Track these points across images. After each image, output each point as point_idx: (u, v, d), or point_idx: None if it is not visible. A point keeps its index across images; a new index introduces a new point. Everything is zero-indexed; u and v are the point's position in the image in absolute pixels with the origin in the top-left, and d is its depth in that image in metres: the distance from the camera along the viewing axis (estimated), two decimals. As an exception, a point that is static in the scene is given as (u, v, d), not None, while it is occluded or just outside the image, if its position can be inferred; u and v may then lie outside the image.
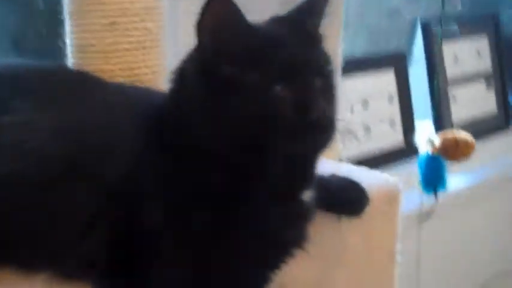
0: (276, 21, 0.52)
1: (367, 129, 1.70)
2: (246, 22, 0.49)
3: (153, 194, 0.49)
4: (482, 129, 1.63)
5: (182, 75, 0.51)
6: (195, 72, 0.49)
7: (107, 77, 0.62)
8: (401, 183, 0.68)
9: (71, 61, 0.64)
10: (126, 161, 0.49)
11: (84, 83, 0.57)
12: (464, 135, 1.11)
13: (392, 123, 1.75)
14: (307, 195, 0.52)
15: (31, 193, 0.48)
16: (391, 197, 0.68)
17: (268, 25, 0.52)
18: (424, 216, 1.22)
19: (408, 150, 1.73)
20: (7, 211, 0.47)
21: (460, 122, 1.62)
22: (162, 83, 0.66)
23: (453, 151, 1.10)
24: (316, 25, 0.53)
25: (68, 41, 0.64)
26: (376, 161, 1.68)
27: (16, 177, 0.48)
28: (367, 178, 0.68)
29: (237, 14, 0.48)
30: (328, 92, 0.50)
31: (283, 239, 0.51)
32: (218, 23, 0.47)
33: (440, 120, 1.70)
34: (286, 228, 0.51)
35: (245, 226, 0.49)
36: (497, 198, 1.56)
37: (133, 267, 0.48)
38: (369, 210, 0.63)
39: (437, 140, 1.11)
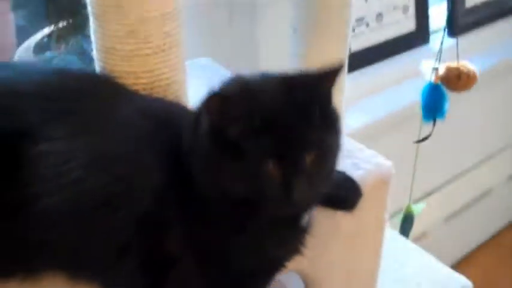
0: (283, 84, 0.57)
1: (379, 16, 1.72)
2: (248, 97, 0.54)
3: (174, 221, 0.58)
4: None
5: (198, 120, 0.57)
6: (206, 127, 0.55)
7: (130, 77, 0.68)
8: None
9: (97, 62, 0.69)
10: (151, 191, 0.58)
11: (113, 100, 0.63)
12: (468, 67, 1.15)
13: (405, 10, 1.76)
14: (305, 219, 0.61)
15: (74, 220, 0.57)
16: (384, 180, 0.76)
17: (273, 92, 0.56)
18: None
19: (421, 36, 1.77)
20: (56, 236, 0.57)
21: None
22: (182, 79, 0.72)
23: (455, 82, 1.15)
24: (327, 94, 0.57)
25: (93, 43, 0.69)
26: (388, 48, 1.73)
27: (59, 208, 0.56)
28: (363, 161, 0.76)
29: (238, 97, 0.53)
30: (320, 163, 0.56)
31: (280, 257, 0.62)
32: (221, 109, 0.53)
33: (455, 4, 1.72)
34: (284, 249, 0.61)
35: (247, 248, 0.59)
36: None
37: (160, 283, 0.59)
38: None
39: (441, 70, 1.16)
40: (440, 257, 2.01)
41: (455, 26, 1.74)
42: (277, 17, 1.24)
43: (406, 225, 1.31)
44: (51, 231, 0.57)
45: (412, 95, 1.28)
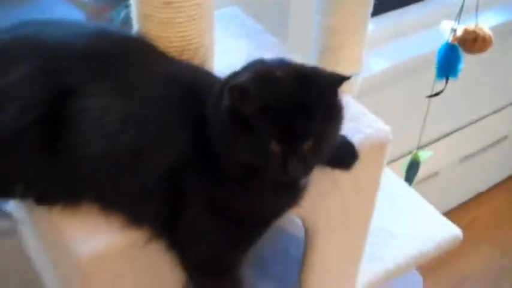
0: (297, 78, 0.65)
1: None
2: (264, 88, 0.63)
3: (193, 174, 0.69)
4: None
5: (221, 95, 0.67)
6: (227, 104, 0.65)
7: (165, 42, 0.78)
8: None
9: (135, 26, 0.79)
10: (175, 148, 0.69)
11: (152, 64, 0.73)
12: (485, 31, 1.20)
13: None
14: (303, 181, 0.72)
15: (111, 164, 0.69)
16: (381, 144, 0.86)
17: (287, 85, 0.65)
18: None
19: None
20: (95, 176, 0.69)
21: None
22: (209, 43, 0.81)
23: (471, 45, 1.21)
24: (333, 93, 0.67)
25: (133, 11, 0.78)
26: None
27: (100, 153, 0.68)
28: (364, 125, 0.86)
29: (256, 87, 0.63)
30: (317, 150, 0.66)
31: (279, 209, 0.73)
32: (240, 97, 0.63)
33: None
34: (282, 203, 0.72)
35: (251, 201, 0.70)
36: None
37: (177, 221, 0.71)
38: (359, 157, 0.82)
39: (459, 31, 1.21)
40: (450, 195, 2.13)
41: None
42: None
43: (411, 171, 1.40)
44: (89, 173, 0.69)
45: (433, 44, 1.33)
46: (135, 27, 0.79)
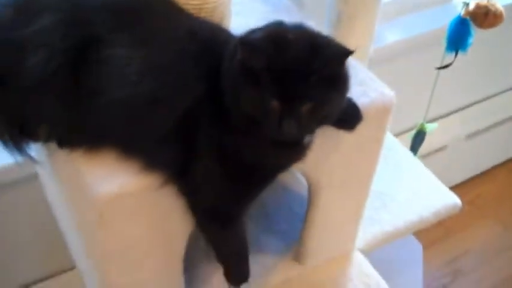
0: (308, 45, 0.69)
1: None
2: (274, 49, 0.67)
3: (205, 123, 0.74)
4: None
5: (235, 50, 0.71)
6: (239, 58, 0.69)
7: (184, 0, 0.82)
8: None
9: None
10: (191, 98, 0.73)
11: (171, 20, 0.77)
12: (496, 7, 1.23)
13: None
14: (306, 139, 0.76)
15: (131, 111, 0.73)
16: (386, 108, 0.90)
17: (296, 49, 0.68)
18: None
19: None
20: (115, 122, 0.74)
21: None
22: (226, 1, 0.85)
23: (482, 19, 1.23)
24: (340, 64, 0.71)
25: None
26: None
27: (121, 100, 0.73)
28: (371, 90, 0.90)
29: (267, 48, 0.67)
30: (315, 114, 0.69)
31: (282, 163, 0.78)
32: (250, 53, 0.67)
33: None
34: (284, 158, 0.77)
35: (255, 151, 0.75)
36: None
37: (189, 168, 0.76)
38: (364, 119, 0.86)
39: (471, 5, 1.24)
40: (456, 170, 2.17)
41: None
42: None
43: (416, 141, 1.45)
44: (109, 118, 0.74)
45: (446, 20, 1.35)
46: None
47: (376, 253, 1.15)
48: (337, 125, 0.84)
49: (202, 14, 0.84)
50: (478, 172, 2.32)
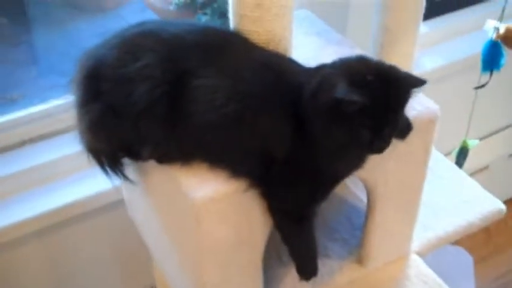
0: (384, 80, 0.83)
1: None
2: (367, 95, 0.80)
3: (286, 137, 0.88)
4: None
5: (317, 89, 0.85)
6: (327, 103, 0.83)
7: (255, 35, 0.98)
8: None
9: (232, 23, 1.00)
10: (275, 118, 0.88)
11: (248, 53, 0.93)
12: (525, 29, 1.36)
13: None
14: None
15: (219, 130, 0.89)
16: (431, 119, 1.03)
17: (377, 87, 0.82)
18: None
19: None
20: (206, 139, 0.90)
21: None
22: (289, 36, 1.01)
23: (512, 42, 1.37)
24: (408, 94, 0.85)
25: (230, 10, 0.99)
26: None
27: (210, 122, 0.88)
28: (417, 104, 1.04)
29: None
30: (392, 131, 0.85)
31: (348, 172, 0.92)
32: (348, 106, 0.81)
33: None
34: (352, 166, 0.92)
35: (328, 166, 0.90)
36: None
37: (270, 175, 0.90)
38: (413, 130, 1.00)
39: (501, 29, 1.38)
40: (499, 188, 2.27)
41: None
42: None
43: (460, 157, 1.57)
44: (202, 136, 0.90)
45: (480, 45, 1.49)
46: (232, 25, 1.00)
47: (429, 266, 1.24)
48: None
49: (270, 47, 0.99)
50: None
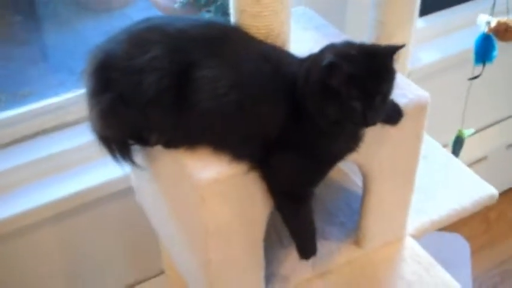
0: (365, 53, 0.89)
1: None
2: (345, 64, 0.87)
3: (284, 122, 0.95)
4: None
5: (308, 72, 0.92)
6: (316, 78, 0.90)
7: (254, 29, 1.05)
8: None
9: (232, 18, 1.06)
10: (272, 105, 0.95)
11: (248, 46, 1.00)
12: (515, 22, 1.42)
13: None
14: (362, 131, 0.97)
15: (222, 117, 0.96)
16: (422, 106, 1.09)
17: (360, 59, 0.88)
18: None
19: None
20: (210, 125, 0.96)
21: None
22: (287, 30, 1.08)
23: (503, 34, 1.43)
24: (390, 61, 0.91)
25: (231, 6, 1.06)
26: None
27: (214, 109, 0.95)
28: (409, 92, 1.10)
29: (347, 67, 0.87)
30: (383, 102, 0.91)
31: (344, 151, 0.99)
32: (330, 72, 0.87)
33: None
34: (347, 147, 0.98)
35: (326, 146, 0.96)
36: None
37: (270, 158, 0.97)
38: (404, 116, 1.07)
39: (493, 23, 1.44)
40: (497, 179, 2.33)
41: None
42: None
43: (456, 146, 1.63)
44: (205, 122, 0.96)
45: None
46: (233, 20, 1.07)
47: (427, 251, 1.29)
48: (384, 120, 1.04)
49: (269, 41, 1.06)
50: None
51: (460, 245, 1.82)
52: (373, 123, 0.93)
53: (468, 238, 1.88)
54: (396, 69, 0.94)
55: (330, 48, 0.94)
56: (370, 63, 0.89)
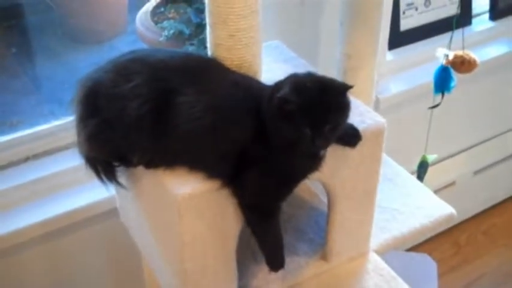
0: (320, 86, 1.01)
1: (427, 1, 2.14)
2: (299, 94, 0.98)
3: (252, 143, 1.05)
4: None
5: (271, 97, 1.03)
6: (275, 104, 1.00)
7: (229, 61, 1.17)
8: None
9: (209, 50, 1.19)
10: (243, 126, 1.05)
11: (222, 75, 1.12)
12: (470, 56, 1.55)
13: (451, -4, 2.15)
14: (322, 152, 1.09)
15: (197, 138, 1.06)
16: (380, 130, 1.21)
17: (313, 91, 0.99)
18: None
19: (463, 19, 2.16)
20: (187, 146, 1.07)
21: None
22: (258, 62, 1.20)
23: (459, 66, 1.56)
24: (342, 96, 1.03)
25: (208, 40, 1.18)
26: (434, 28, 2.14)
27: (191, 131, 1.06)
28: (367, 118, 1.22)
29: (295, 95, 0.98)
30: (332, 131, 1.01)
31: (306, 171, 1.10)
32: (283, 102, 0.98)
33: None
34: (308, 167, 1.09)
35: (288, 165, 1.07)
36: None
37: (240, 176, 1.08)
38: (363, 140, 1.18)
39: (450, 56, 1.57)
40: (466, 204, 2.45)
41: (496, 11, 2.13)
42: (330, 13, 1.71)
43: (421, 170, 1.75)
44: (183, 144, 1.07)
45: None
46: (209, 52, 1.19)
47: (395, 270, 1.38)
48: (343, 143, 1.16)
49: (242, 71, 1.18)
50: (489, 205, 2.58)
51: (427, 264, 1.92)
52: (321, 149, 1.05)
53: (438, 261, 1.98)
54: (352, 99, 1.06)
55: (290, 77, 1.05)
56: (323, 96, 1.01)
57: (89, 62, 2.32)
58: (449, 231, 2.44)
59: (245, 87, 1.10)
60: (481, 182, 2.46)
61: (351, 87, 1.04)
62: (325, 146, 1.05)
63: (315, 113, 1.00)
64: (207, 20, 1.16)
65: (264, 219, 1.13)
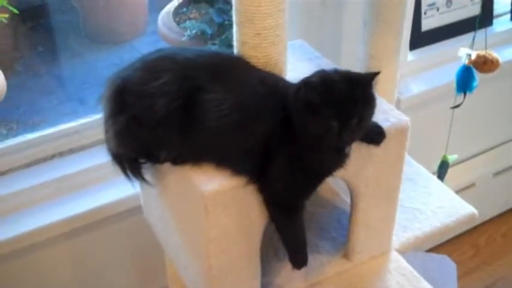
0: (346, 79, 1.01)
1: (449, 2, 2.14)
2: (326, 87, 0.99)
3: (278, 140, 1.07)
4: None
5: (298, 91, 1.04)
6: (302, 97, 1.02)
7: (254, 59, 1.18)
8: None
9: (235, 49, 1.20)
10: (269, 124, 1.06)
11: (248, 73, 1.13)
12: (493, 55, 1.56)
13: (472, -4, 2.15)
14: (347, 149, 1.10)
15: (224, 135, 1.08)
16: (403, 128, 1.22)
17: (341, 84, 1.00)
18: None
19: (485, 19, 2.15)
20: (213, 143, 1.09)
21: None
22: (284, 60, 1.21)
23: (481, 66, 1.57)
24: (368, 87, 1.03)
25: (234, 39, 1.19)
26: (455, 29, 2.14)
27: (217, 128, 1.07)
28: (391, 116, 1.23)
29: (325, 86, 1.00)
30: (359, 125, 1.02)
31: (331, 168, 1.11)
32: (310, 92, 1.00)
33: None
34: (333, 164, 1.10)
35: (312, 162, 1.08)
36: None
37: (266, 172, 1.09)
38: (388, 138, 1.19)
39: (473, 55, 1.58)
40: (486, 206, 2.44)
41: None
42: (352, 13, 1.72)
43: (441, 170, 1.75)
44: (210, 141, 1.09)
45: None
46: (236, 50, 1.21)
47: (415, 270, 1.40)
48: (368, 140, 1.16)
49: (267, 69, 1.19)
50: (509, 208, 2.56)
51: (447, 265, 1.92)
52: (348, 143, 1.05)
53: (457, 263, 1.98)
54: (377, 96, 1.07)
55: (318, 72, 1.06)
56: (350, 88, 1.01)
57: (109, 63, 2.35)
58: (468, 233, 2.43)
59: (271, 84, 1.12)
60: (501, 183, 2.45)
61: (377, 73, 1.04)
62: (351, 140, 1.06)
63: (342, 105, 1.00)
64: (234, 19, 1.18)
65: (288, 216, 1.14)
